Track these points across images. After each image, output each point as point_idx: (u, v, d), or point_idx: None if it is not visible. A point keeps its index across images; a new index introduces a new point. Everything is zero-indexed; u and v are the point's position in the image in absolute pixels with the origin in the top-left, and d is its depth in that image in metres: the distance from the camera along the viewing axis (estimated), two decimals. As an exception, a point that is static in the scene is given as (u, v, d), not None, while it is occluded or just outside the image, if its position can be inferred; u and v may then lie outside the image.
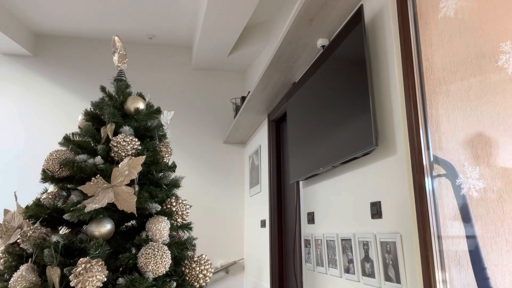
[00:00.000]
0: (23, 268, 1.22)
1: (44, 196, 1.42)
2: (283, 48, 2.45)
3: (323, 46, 2.31)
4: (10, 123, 4.11)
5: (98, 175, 1.32)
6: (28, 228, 1.31)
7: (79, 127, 1.57)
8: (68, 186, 1.46)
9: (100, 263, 1.16)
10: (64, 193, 1.45)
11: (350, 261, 1.90)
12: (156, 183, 1.45)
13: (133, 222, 1.44)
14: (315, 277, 2.37)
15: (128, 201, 1.29)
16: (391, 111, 1.62)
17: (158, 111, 1.58)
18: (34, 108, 4.18)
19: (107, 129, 1.43)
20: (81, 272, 1.12)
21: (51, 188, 1.46)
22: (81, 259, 1.15)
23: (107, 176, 1.33)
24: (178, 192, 1.56)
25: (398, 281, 1.51)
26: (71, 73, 4.34)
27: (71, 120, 4.21)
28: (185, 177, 1.59)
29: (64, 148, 1.47)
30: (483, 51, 1.28)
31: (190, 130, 4.50)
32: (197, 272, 1.38)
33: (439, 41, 1.47)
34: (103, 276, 1.15)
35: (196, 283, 1.37)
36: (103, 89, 1.56)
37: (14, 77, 4.20)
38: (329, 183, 2.26)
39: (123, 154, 1.38)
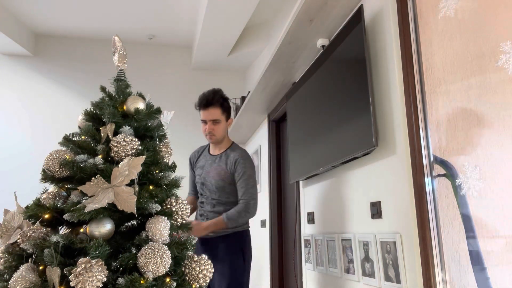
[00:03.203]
0: (23, 268, 1.21)
1: (44, 196, 1.42)
2: (283, 48, 2.45)
3: (323, 46, 2.31)
4: (9, 123, 4.11)
5: (98, 175, 1.32)
6: (28, 228, 1.31)
7: (79, 127, 1.57)
8: (68, 186, 1.46)
9: (100, 263, 1.16)
10: (64, 193, 1.45)
11: (350, 261, 1.90)
12: (156, 183, 1.45)
13: (133, 222, 1.44)
14: (315, 277, 2.37)
15: (128, 201, 1.29)
16: (391, 111, 1.62)
17: (158, 111, 1.58)
18: (33, 108, 4.18)
19: (107, 129, 1.43)
20: (81, 272, 1.12)
21: (51, 188, 1.46)
22: (81, 259, 1.15)
23: (107, 176, 1.32)
24: (178, 192, 1.55)
25: (398, 281, 1.51)
26: (71, 73, 4.34)
27: (71, 120, 4.21)
28: (185, 177, 1.59)
29: (64, 148, 1.47)
30: (483, 51, 1.28)
31: (190, 130, 4.50)
32: (197, 272, 1.38)
33: (439, 41, 1.47)
34: (103, 276, 1.15)
35: (196, 283, 1.37)
36: (103, 89, 1.56)
37: (14, 77, 4.20)
38: (329, 183, 2.26)
39: (123, 154, 1.38)
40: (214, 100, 2.10)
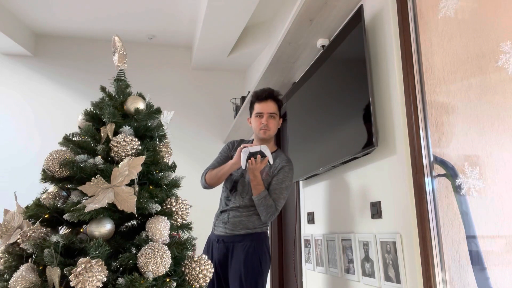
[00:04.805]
0: (23, 268, 1.21)
1: (44, 196, 1.42)
2: (283, 48, 2.45)
3: (323, 46, 2.31)
4: (9, 123, 4.11)
5: (98, 175, 1.32)
6: (28, 228, 1.31)
7: (79, 127, 1.57)
8: (68, 186, 1.46)
9: (100, 263, 1.16)
10: (64, 193, 1.45)
11: (350, 261, 1.90)
12: (156, 183, 1.45)
13: (133, 222, 1.44)
14: (315, 277, 2.37)
15: (128, 201, 1.29)
16: (391, 111, 1.62)
17: (158, 111, 1.58)
18: (34, 108, 4.18)
19: (107, 129, 1.43)
20: (81, 272, 1.12)
21: (51, 188, 1.46)
22: (81, 259, 1.15)
23: (107, 176, 1.32)
24: (178, 192, 1.56)
25: (398, 281, 1.51)
26: (71, 73, 4.34)
27: (71, 120, 4.20)
28: (185, 177, 1.59)
29: (64, 148, 1.47)
30: (483, 51, 1.28)
31: (190, 130, 4.50)
32: (197, 272, 1.38)
33: (439, 41, 1.47)
34: (103, 276, 1.15)
35: (196, 283, 1.37)
36: (103, 89, 1.56)
37: (14, 77, 4.20)
38: (329, 183, 2.26)
39: (123, 154, 1.38)
40: (273, 94, 2.14)
